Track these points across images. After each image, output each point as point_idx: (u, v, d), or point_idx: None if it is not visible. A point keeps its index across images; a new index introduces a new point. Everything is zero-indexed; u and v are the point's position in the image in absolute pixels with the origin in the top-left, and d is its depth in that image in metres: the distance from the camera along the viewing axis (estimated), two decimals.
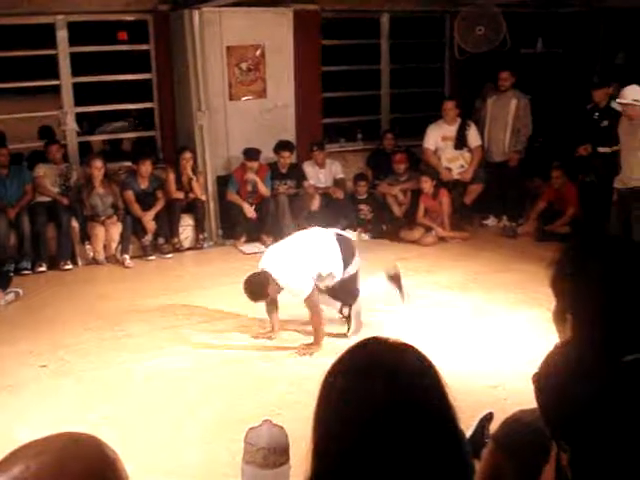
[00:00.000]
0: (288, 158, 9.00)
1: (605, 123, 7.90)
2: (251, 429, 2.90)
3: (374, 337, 1.43)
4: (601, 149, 7.88)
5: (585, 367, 1.50)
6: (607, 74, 8.98)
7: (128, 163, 8.82)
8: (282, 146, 8.93)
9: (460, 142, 9.20)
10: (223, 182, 8.89)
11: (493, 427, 3.98)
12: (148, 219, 8.31)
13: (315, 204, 8.88)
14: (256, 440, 2.84)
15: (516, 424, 1.94)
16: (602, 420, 1.36)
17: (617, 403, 1.37)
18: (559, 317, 1.86)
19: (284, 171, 9.02)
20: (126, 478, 1.17)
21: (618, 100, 7.14)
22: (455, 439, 1.34)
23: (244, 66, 8.94)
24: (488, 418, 4.10)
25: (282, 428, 2.91)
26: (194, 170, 8.59)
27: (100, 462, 1.14)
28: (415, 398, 1.30)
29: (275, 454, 2.81)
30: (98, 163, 8.20)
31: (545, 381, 1.59)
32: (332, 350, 5.49)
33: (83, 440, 1.17)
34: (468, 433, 3.86)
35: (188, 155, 8.53)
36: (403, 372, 1.34)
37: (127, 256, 8.11)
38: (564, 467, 1.43)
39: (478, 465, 2.35)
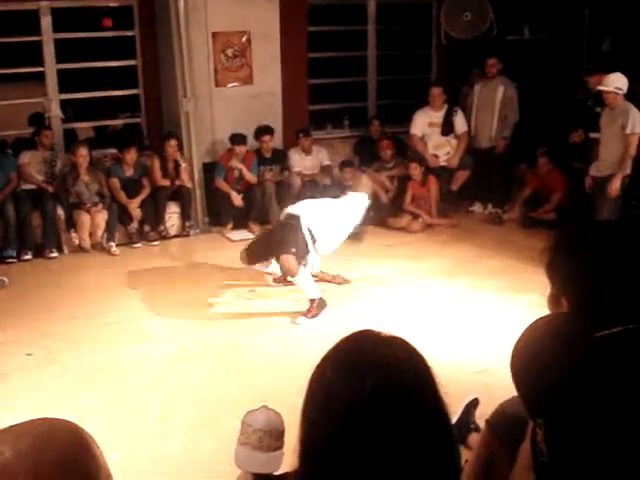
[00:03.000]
0: (269, 142, 8.96)
1: (599, 109, 7.89)
2: (249, 411, 2.90)
3: (365, 330, 1.41)
4: (594, 135, 7.87)
5: (559, 344, 1.51)
6: (595, 60, 8.98)
7: (114, 150, 8.77)
8: (261, 131, 8.90)
9: (447, 128, 9.20)
10: (209, 169, 8.86)
11: (480, 411, 4.01)
12: (134, 206, 8.28)
13: (296, 188, 8.89)
14: (253, 421, 2.84)
15: (509, 411, 1.95)
16: (575, 395, 1.37)
17: (589, 379, 1.37)
18: (554, 302, 1.86)
19: (268, 155, 8.99)
20: (104, 463, 1.16)
21: (600, 87, 7.16)
22: (445, 435, 1.34)
23: (230, 52, 8.90)
24: (474, 404, 4.13)
25: (279, 413, 2.91)
26: (181, 157, 8.55)
27: (77, 447, 1.13)
28: (404, 394, 1.29)
29: (271, 438, 2.82)
30: (83, 151, 8.13)
31: (520, 359, 1.60)
32: (317, 339, 5.51)
33: (59, 425, 1.17)
34: (454, 419, 3.88)
35: (173, 142, 8.48)
36: (393, 368, 1.32)
37: (113, 244, 8.08)
38: (539, 443, 1.43)
39: (463, 450, 2.35)
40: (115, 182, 8.31)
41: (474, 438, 3.63)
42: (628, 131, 7.00)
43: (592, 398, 1.35)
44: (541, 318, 1.88)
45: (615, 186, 7.07)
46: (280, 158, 9.09)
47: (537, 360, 1.54)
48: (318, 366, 1.36)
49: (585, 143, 8.05)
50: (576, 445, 1.35)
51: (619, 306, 1.70)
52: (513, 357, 1.77)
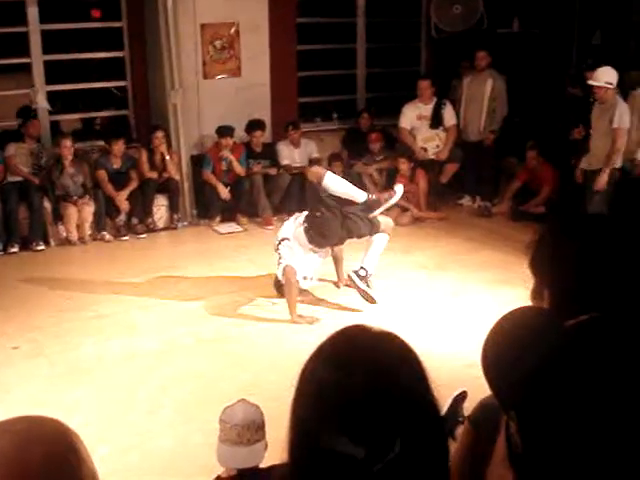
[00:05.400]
0: (261, 137, 8.94)
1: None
2: (226, 407, 2.90)
3: (356, 325, 1.38)
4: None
5: (527, 336, 1.50)
6: (585, 54, 8.99)
7: (101, 142, 8.71)
8: (253, 125, 8.88)
9: (436, 121, 9.18)
10: (197, 161, 8.82)
11: (468, 404, 4.00)
12: (121, 199, 8.23)
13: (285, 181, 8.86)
14: (230, 418, 2.84)
15: (491, 404, 1.94)
16: (545, 386, 1.36)
17: (558, 368, 1.37)
18: (537, 295, 1.86)
19: (259, 150, 8.96)
20: (89, 462, 1.13)
21: (590, 81, 7.18)
22: (436, 429, 1.33)
23: (218, 44, 8.85)
24: (462, 397, 4.12)
25: (256, 406, 2.90)
26: (168, 149, 8.50)
27: (61, 446, 1.10)
28: (395, 390, 1.28)
29: (249, 431, 2.81)
30: (67, 142, 8.06)
31: (490, 352, 1.60)
32: (307, 332, 5.49)
33: (43, 423, 1.13)
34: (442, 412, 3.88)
35: (160, 134, 8.44)
36: (384, 364, 1.30)
37: (105, 232, 8.11)
38: (513, 435, 1.42)
39: (452, 444, 2.34)
40: (102, 174, 8.26)
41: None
42: (615, 125, 7.05)
43: (561, 387, 1.35)
44: (510, 312, 1.88)
45: (603, 180, 7.12)
46: (270, 153, 9.06)
47: (506, 353, 1.53)
48: (308, 361, 1.34)
49: (585, 140, 8.03)
50: (549, 435, 1.34)
51: (599, 300, 1.70)
52: (483, 351, 1.76)
